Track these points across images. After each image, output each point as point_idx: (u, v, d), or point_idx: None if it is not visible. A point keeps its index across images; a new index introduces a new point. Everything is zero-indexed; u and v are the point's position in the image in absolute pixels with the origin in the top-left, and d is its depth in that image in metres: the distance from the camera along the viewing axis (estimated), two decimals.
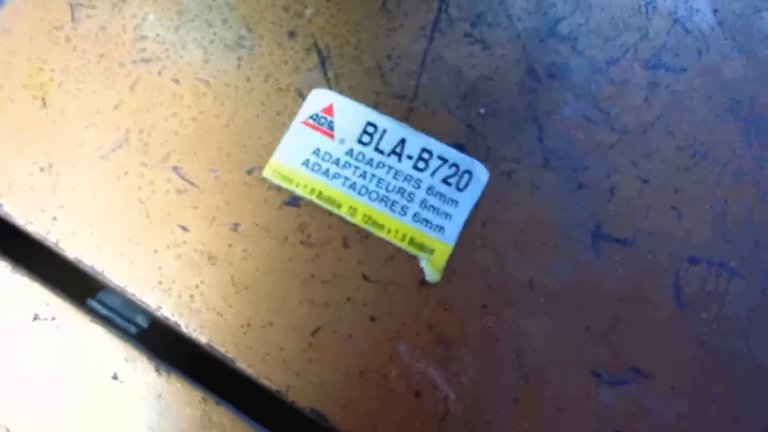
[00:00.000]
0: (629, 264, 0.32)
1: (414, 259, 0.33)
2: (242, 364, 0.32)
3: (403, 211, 0.34)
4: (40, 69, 0.37)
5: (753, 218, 0.33)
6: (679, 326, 0.31)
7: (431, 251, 0.33)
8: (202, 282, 0.33)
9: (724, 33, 0.36)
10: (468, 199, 0.34)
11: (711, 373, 0.31)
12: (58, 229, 0.35)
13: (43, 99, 0.37)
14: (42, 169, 0.36)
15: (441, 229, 0.33)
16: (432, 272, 0.33)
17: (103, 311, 0.35)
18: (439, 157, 0.34)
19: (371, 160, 0.35)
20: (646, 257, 0.33)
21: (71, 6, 0.39)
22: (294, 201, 0.34)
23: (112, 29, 0.38)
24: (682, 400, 0.31)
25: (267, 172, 0.35)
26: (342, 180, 0.34)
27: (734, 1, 0.37)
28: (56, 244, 0.35)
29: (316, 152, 0.35)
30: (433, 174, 0.34)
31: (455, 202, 0.34)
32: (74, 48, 0.38)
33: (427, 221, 0.33)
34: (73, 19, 0.38)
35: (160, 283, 0.34)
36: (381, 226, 0.34)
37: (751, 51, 0.36)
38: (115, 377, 0.33)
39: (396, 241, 0.33)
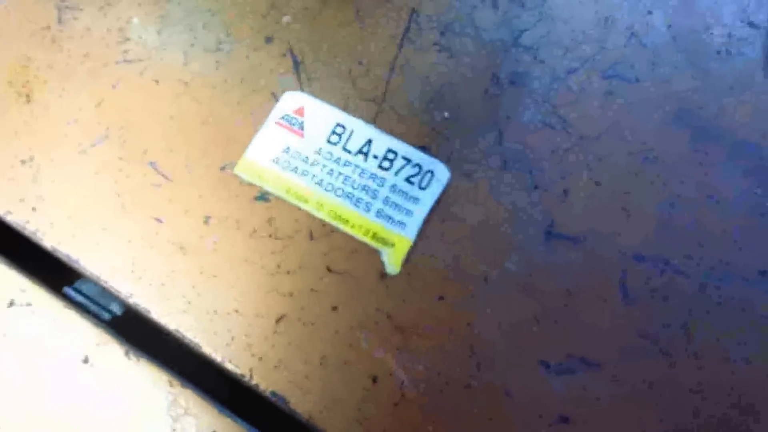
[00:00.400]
0: (579, 261, 0.34)
1: (376, 252, 0.35)
2: (208, 349, 0.33)
3: (368, 207, 0.35)
4: (26, 67, 0.39)
5: (696, 220, 0.35)
6: (625, 319, 0.33)
7: (392, 245, 0.35)
8: (173, 271, 0.35)
9: (677, 47, 0.38)
10: (429, 197, 0.35)
11: (652, 364, 0.32)
12: (37, 219, 0.36)
13: (27, 96, 0.39)
14: (23, 162, 0.37)
15: (402, 224, 0.35)
16: (392, 265, 0.34)
17: (78, 298, 0.36)
18: (404, 158, 0.36)
19: (339, 158, 0.36)
20: (596, 255, 0.34)
21: (58, 8, 0.41)
22: (264, 196, 0.36)
23: (97, 31, 0.40)
24: (624, 388, 0.32)
25: (239, 169, 0.37)
26: (310, 177, 0.36)
27: (687, 18, 0.39)
28: (34, 233, 0.36)
29: (287, 150, 0.37)
30: (397, 173, 0.36)
31: (417, 200, 0.35)
32: (60, 48, 0.40)
33: (389, 217, 0.35)
34: (59, 21, 0.40)
35: (133, 271, 0.35)
36: (346, 221, 0.35)
37: (700, 65, 0.38)
38: (85, 361, 0.34)
39: (360, 236, 0.35)
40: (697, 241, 0.34)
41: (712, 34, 0.39)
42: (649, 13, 0.39)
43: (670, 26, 0.39)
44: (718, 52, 0.38)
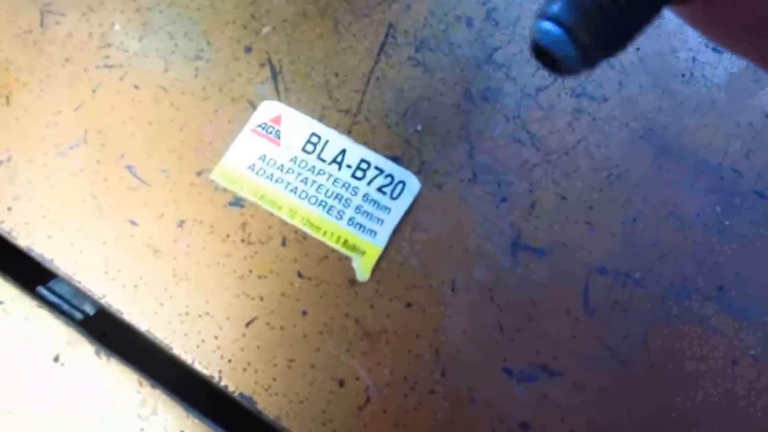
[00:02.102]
0: (544, 272, 0.35)
1: (346, 259, 0.35)
2: (178, 350, 0.34)
3: (340, 215, 0.36)
4: (6, 69, 0.40)
5: (658, 235, 0.36)
6: (586, 330, 0.34)
7: (363, 253, 0.35)
8: (146, 273, 0.35)
9: (644, 68, 0.40)
10: (400, 207, 0.36)
11: (611, 373, 0.33)
12: (13, 218, 0.37)
13: (6, 97, 0.39)
14: (0, 162, 0.38)
15: (373, 233, 0.36)
16: (362, 272, 0.35)
17: (51, 298, 0.36)
18: (376, 168, 0.37)
19: (313, 167, 0.37)
20: (560, 266, 0.35)
21: (41, 12, 0.41)
22: (238, 202, 0.37)
23: (78, 36, 0.41)
24: (584, 396, 0.33)
25: (215, 175, 0.37)
26: (285, 184, 0.37)
27: (654, 40, 0.40)
28: (9, 233, 0.36)
29: (263, 158, 0.37)
30: (369, 183, 0.37)
31: (388, 209, 0.36)
32: (41, 51, 0.40)
33: (361, 225, 0.36)
34: (42, 24, 0.41)
35: (106, 272, 0.36)
36: (318, 228, 0.36)
37: (666, 86, 0.39)
38: (56, 359, 0.34)
39: (331, 243, 0.36)
40: (658, 256, 0.35)
41: (677, 57, 0.40)
42: None
43: (638, 49, 0.40)
44: (683, 75, 0.40)
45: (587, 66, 0.16)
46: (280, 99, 0.39)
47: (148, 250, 0.36)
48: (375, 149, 0.38)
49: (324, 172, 0.37)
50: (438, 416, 0.33)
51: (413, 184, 0.37)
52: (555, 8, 0.15)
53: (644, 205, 0.36)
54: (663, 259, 0.35)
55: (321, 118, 0.39)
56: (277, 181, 0.37)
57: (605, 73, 0.40)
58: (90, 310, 0.37)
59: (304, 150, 0.38)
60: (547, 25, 0.15)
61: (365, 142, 0.38)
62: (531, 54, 0.17)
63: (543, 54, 0.16)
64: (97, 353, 0.34)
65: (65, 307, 0.36)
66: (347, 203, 0.36)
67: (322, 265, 0.35)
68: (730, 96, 0.39)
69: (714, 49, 0.40)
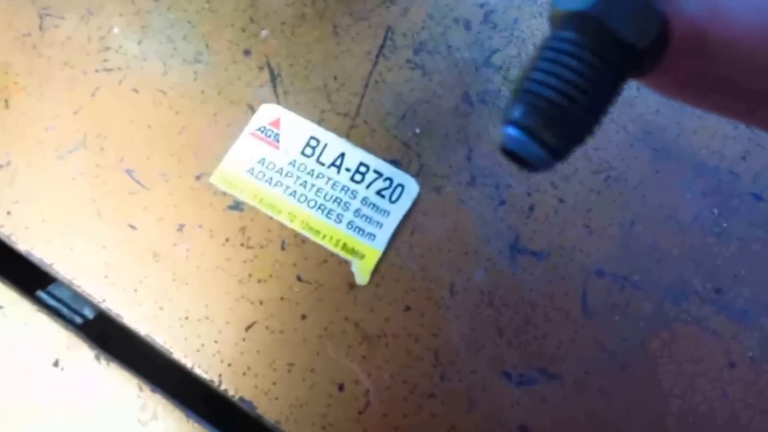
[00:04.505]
0: (542, 275, 0.35)
1: (346, 262, 0.36)
2: (178, 354, 0.34)
3: (339, 218, 0.36)
4: (6, 73, 0.40)
5: (656, 238, 0.36)
6: (584, 333, 0.34)
7: (362, 256, 0.36)
8: (146, 277, 0.36)
9: None
10: (398, 210, 0.36)
11: (610, 376, 0.34)
12: (12, 223, 0.37)
13: (6, 101, 0.39)
14: (0, 166, 0.38)
15: (372, 236, 0.36)
16: (361, 275, 0.35)
17: (51, 302, 0.36)
18: (375, 171, 0.37)
19: (312, 170, 0.37)
20: (558, 269, 0.35)
21: (40, 15, 0.41)
22: (237, 206, 0.37)
23: (78, 39, 0.41)
24: (583, 399, 0.33)
25: (214, 178, 0.37)
26: (284, 188, 0.37)
27: None
28: (9, 237, 0.36)
29: (262, 161, 0.37)
30: (368, 186, 0.37)
31: (387, 213, 0.36)
32: (40, 55, 0.40)
33: (360, 229, 0.36)
34: (41, 28, 0.41)
35: (106, 276, 0.36)
36: (317, 232, 0.36)
37: None
38: (56, 364, 0.34)
39: (330, 246, 0.36)
40: (656, 259, 0.36)
41: None
42: None
43: None
44: None
45: (557, 160, 0.17)
46: (279, 102, 0.39)
47: (148, 254, 0.36)
48: (374, 152, 0.38)
49: (323, 176, 0.37)
50: (438, 420, 0.33)
51: (412, 188, 0.37)
52: (516, 114, 0.16)
53: (642, 208, 0.37)
54: (661, 261, 0.35)
55: (320, 122, 0.39)
56: (276, 184, 0.37)
57: None
58: (90, 314, 0.37)
59: (303, 153, 0.38)
60: (511, 130, 0.16)
61: (364, 146, 0.38)
62: (502, 156, 0.18)
63: (513, 155, 0.17)
64: (97, 357, 0.34)
65: (65, 311, 0.36)
66: (346, 207, 0.36)
67: (321, 268, 0.36)
68: None
69: None
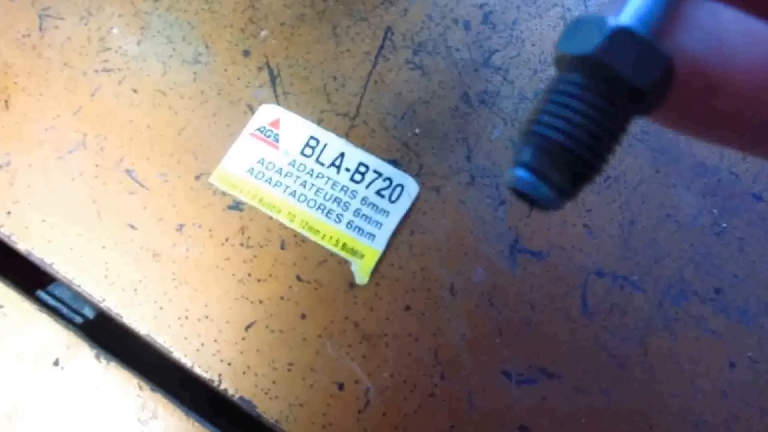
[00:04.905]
0: (542, 274, 0.35)
1: (345, 262, 0.36)
2: (178, 354, 0.34)
3: (339, 218, 0.36)
4: (5, 73, 0.40)
5: (655, 238, 0.36)
6: (584, 332, 0.34)
7: (362, 256, 0.36)
8: (145, 277, 0.36)
9: None
10: (398, 210, 0.36)
11: (611, 375, 0.34)
12: (12, 222, 0.37)
13: (5, 101, 0.39)
14: (0, 166, 0.38)
15: (372, 236, 0.36)
16: (361, 275, 0.35)
17: (51, 302, 0.36)
18: (375, 171, 0.37)
19: (312, 170, 0.37)
20: (558, 269, 0.35)
21: (40, 16, 0.41)
22: (237, 206, 0.37)
23: (77, 40, 0.41)
24: (583, 398, 0.33)
25: (214, 178, 0.37)
26: (283, 188, 0.37)
27: None
28: (9, 237, 0.36)
29: (261, 161, 0.37)
30: (368, 186, 0.37)
31: (386, 213, 0.36)
32: (40, 55, 0.40)
33: (359, 228, 0.36)
34: (40, 28, 0.41)
35: (106, 276, 0.36)
36: (317, 232, 0.36)
37: None
38: (56, 363, 0.34)
39: (330, 246, 0.36)
40: (656, 259, 0.36)
41: None
42: None
43: None
44: None
45: (567, 199, 0.17)
46: (278, 103, 0.39)
47: (148, 254, 0.36)
48: (373, 152, 0.38)
49: (322, 176, 0.37)
50: (437, 419, 0.33)
51: (411, 188, 0.37)
52: (525, 156, 0.17)
53: (642, 208, 0.37)
54: (660, 261, 0.36)
55: (319, 122, 0.39)
56: (275, 184, 0.37)
57: None
58: (90, 313, 0.37)
59: (302, 153, 0.38)
60: (521, 173, 0.17)
61: (363, 146, 0.38)
62: (512, 195, 0.18)
63: (523, 196, 0.17)
64: (97, 357, 0.34)
65: (65, 311, 0.36)
66: (346, 206, 0.36)
67: (321, 268, 0.36)
68: None
69: None
